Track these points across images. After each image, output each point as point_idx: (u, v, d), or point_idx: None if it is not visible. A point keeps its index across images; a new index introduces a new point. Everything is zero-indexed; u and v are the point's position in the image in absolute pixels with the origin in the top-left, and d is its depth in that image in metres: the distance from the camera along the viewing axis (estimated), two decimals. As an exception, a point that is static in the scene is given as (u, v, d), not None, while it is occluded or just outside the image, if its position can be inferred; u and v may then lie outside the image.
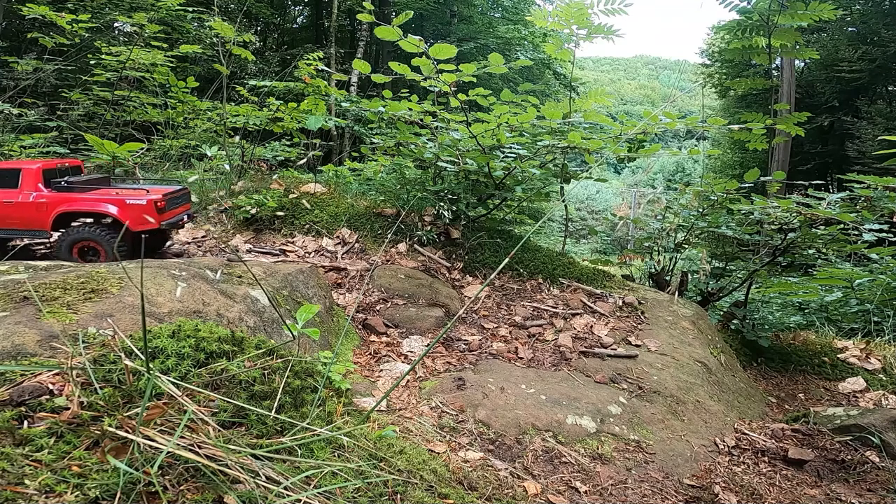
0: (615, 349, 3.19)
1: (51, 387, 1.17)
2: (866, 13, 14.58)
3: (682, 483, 2.33)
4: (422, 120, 4.13)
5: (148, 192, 3.46)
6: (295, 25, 19.51)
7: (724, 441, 2.64)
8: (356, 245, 4.02)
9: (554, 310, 3.72)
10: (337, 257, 3.84)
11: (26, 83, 6.40)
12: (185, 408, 1.12)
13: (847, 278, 4.83)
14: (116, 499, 0.95)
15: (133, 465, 0.99)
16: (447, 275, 3.97)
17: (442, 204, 4.15)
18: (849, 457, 2.50)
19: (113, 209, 3.36)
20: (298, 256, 3.76)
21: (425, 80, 3.47)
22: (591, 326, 3.52)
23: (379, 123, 4.66)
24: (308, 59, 4.78)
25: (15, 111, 5.44)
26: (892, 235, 3.72)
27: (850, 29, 14.96)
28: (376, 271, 3.69)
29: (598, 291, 3.97)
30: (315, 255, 3.84)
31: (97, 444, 1.05)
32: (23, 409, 1.10)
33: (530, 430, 2.39)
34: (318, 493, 1.13)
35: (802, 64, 15.92)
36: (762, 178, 3.99)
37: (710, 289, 4.61)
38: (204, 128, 6.11)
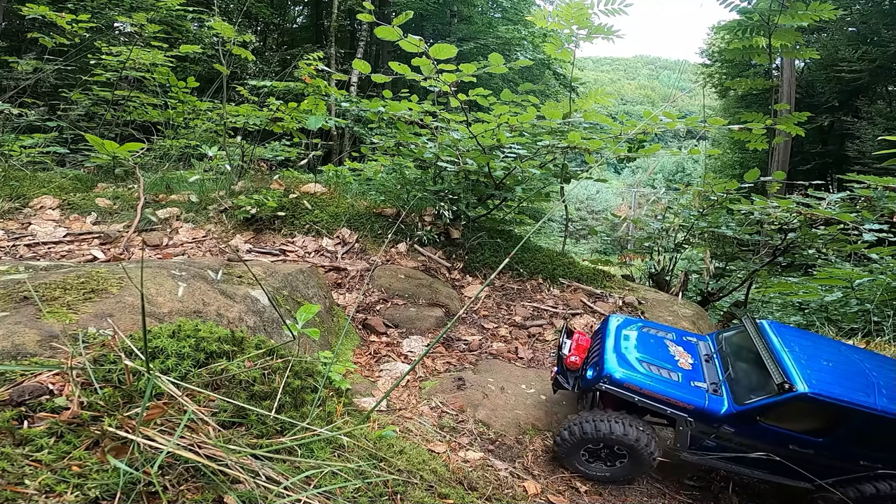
0: (615, 349, 3.18)
1: (51, 387, 1.17)
2: (866, 13, 14.58)
3: (682, 483, 2.34)
4: (422, 120, 4.12)
5: None
6: (295, 25, 19.51)
7: (724, 441, 2.63)
8: (356, 245, 4.02)
9: (554, 310, 3.72)
10: (337, 257, 3.84)
11: (26, 83, 6.39)
12: (185, 408, 1.12)
13: (847, 278, 4.83)
14: (116, 499, 0.95)
15: (133, 465, 0.99)
16: (447, 275, 3.97)
17: (442, 204, 4.14)
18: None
19: None
20: (298, 256, 3.76)
21: (425, 80, 3.46)
22: (592, 326, 3.52)
23: (379, 123, 4.64)
24: (308, 59, 4.76)
25: (15, 111, 5.43)
26: (892, 235, 3.73)
27: (850, 29, 14.95)
28: (376, 271, 3.69)
29: (599, 291, 3.97)
30: (315, 255, 3.83)
31: (97, 444, 1.05)
32: (23, 409, 1.10)
33: (530, 430, 2.39)
34: (318, 492, 1.13)
35: (802, 64, 15.92)
36: (762, 178, 3.99)
37: (710, 289, 4.61)
38: (204, 128, 6.10)
